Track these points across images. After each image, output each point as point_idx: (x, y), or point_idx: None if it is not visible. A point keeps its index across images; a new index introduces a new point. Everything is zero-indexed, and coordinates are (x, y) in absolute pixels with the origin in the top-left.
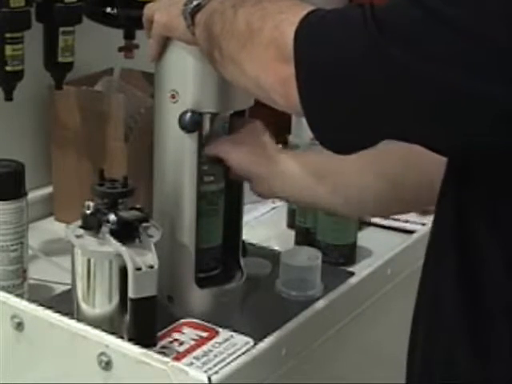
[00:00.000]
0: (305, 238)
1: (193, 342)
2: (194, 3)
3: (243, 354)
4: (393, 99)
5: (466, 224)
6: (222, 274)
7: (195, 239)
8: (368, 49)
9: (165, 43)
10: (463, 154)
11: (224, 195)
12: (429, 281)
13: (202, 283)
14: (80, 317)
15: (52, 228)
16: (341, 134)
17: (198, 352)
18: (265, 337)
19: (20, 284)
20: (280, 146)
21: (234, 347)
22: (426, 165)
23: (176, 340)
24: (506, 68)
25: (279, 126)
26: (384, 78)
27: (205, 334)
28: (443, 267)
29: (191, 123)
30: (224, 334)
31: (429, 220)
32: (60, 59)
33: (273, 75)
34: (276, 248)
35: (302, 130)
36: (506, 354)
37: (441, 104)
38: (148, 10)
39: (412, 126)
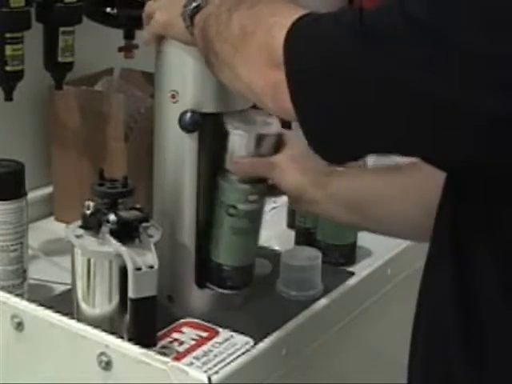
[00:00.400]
0: (305, 238)
1: (193, 342)
2: (194, 5)
3: (243, 354)
4: (377, 106)
5: (461, 238)
6: None
7: (195, 239)
8: (353, 54)
9: (160, 41)
10: (459, 167)
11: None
12: (429, 282)
13: (201, 283)
14: (80, 317)
15: (52, 228)
16: (330, 141)
17: (198, 352)
18: (265, 337)
19: (20, 284)
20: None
21: (233, 347)
22: None
23: (176, 340)
24: (486, 77)
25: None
26: (369, 84)
27: (205, 334)
28: (441, 275)
29: (191, 123)
30: (224, 334)
31: None
32: (60, 59)
33: (263, 79)
34: (276, 248)
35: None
36: (501, 365)
37: (419, 112)
38: (149, 7)
39: (400, 137)
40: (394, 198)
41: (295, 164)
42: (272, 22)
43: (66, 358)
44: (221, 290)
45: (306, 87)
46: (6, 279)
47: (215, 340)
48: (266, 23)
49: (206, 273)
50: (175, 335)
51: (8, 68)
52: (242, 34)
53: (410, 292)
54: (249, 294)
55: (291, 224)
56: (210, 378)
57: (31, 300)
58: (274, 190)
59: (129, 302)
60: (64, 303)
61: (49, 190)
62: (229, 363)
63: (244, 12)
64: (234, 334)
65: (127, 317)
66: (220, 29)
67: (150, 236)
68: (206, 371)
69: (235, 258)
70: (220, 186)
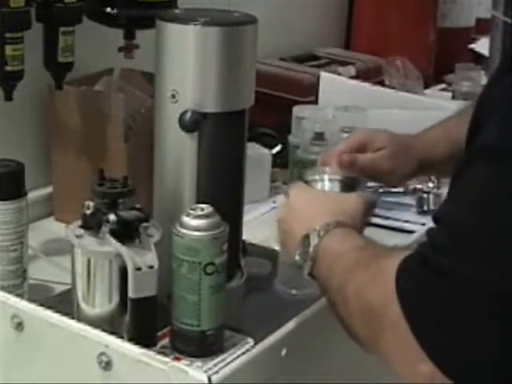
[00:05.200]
0: None
1: None
2: (309, 265)
3: (243, 354)
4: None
5: None
6: None
7: None
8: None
9: None
10: None
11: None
12: None
13: None
14: (80, 317)
15: (52, 228)
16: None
17: None
18: (265, 337)
19: (20, 284)
20: None
21: (233, 347)
22: None
23: None
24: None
25: (279, 125)
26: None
27: None
28: None
29: (191, 123)
30: (224, 333)
31: (429, 220)
32: (60, 59)
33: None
34: (276, 248)
35: (302, 130)
36: None
37: None
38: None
39: None
40: None
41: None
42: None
43: (66, 358)
44: (203, 359)
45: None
46: (6, 279)
47: None
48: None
49: (185, 347)
50: None
51: (8, 68)
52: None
53: None
54: (249, 294)
55: None
56: (210, 378)
57: (31, 300)
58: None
59: (129, 302)
60: (64, 303)
61: (49, 190)
62: (229, 363)
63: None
64: (234, 333)
65: (127, 317)
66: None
67: (150, 236)
68: (206, 371)
69: (218, 319)
70: (194, 249)
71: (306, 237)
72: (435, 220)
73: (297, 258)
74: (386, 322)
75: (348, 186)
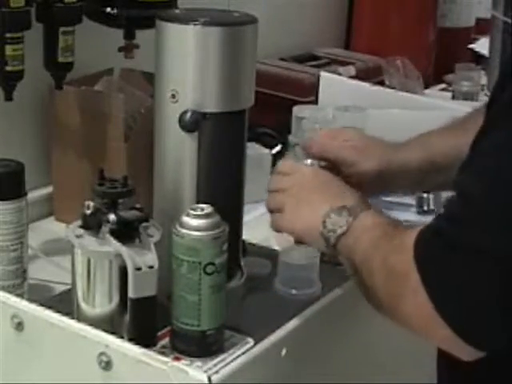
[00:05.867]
0: None
1: None
2: (338, 232)
3: (243, 354)
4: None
5: None
6: None
7: None
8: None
9: None
10: None
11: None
12: None
13: None
14: (80, 317)
15: (52, 228)
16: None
17: None
18: (265, 337)
19: (20, 284)
20: None
21: (233, 347)
22: None
23: None
24: None
25: (279, 125)
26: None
27: None
28: None
29: (191, 123)
30: (224, 333)
31: (428, 220)
32: (60, 59)
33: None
34: (276, 248)
35: (301, 130)
36: None
37: None
38: (276, 185)
39: None
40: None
41: (369, 141)
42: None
43: (66, 358)
44: (203, 359)
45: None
46: (6, 279)
47: None
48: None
49: (185, 347)
50: None
51: (8, 68)
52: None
53: None
54: (249, 294)
55: None
56: (210, 378)
57: (31, 300)
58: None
59: (129, 302)
60: (64, 303)
61: (49, 190)
62: (229, 363)
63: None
64: (234, 333)
65: (127, 317)
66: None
67: (150, 236)
68: (205, 371)
69: (218, 319)
70: (194, 249)
71: (339, 210)
72: (453, 187)
73: (324, 230)
74: (408, 288)
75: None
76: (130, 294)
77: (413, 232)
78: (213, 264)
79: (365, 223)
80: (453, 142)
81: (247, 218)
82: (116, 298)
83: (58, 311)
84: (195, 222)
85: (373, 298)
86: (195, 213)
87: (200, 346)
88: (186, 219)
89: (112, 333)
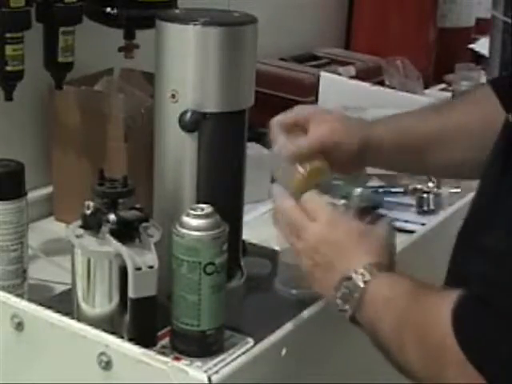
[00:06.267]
0: None
1: None
2: (354, 304)
3: (243, 353)
4: None
5: None
6: None
7: None
8: None
9: None
10: None
11: None
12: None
13: None
14: (80, 317)
15: (52, 228)
16: None
17: None
18: (265, 337)
19: (20, 284)
20: None
21: (233, 347)
22: None
23: None
24: None
25: None
26: None
27: None
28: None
29: (191, 123)
30: (224, 333)
31: (429, 220)
32: (60, 59)
33: None
34: (276, 248)
35: None
36: None
37: None
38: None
39: None
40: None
41: (346, 120)
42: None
43: (66, 358)
44: (203, 359)
45: None
46: (6, 279)
47: None
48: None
49: (185, 347)
50: None
51: (8, 68)
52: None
53: None
54: (249, 294)
55: None
56: (210, 378)
57: (31, 300)
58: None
59: (129, 302)
60: (64, 303)
61: (49, 190)
62: (229, 363)
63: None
64: (234, 333)
65: (127, 317)
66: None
67: (150, 236)
68: (206, 371)
69: (218, 319)
70: (194, 249)
71: (349, 278)
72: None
73: (338, 301)
74: (449, 361)
75: (362, 212)
76: (130, 294)
77: (444, 300)
78: (213, 264)
79: (384, 292)
80: (424, 125)
81: (247, 217)
82: (116, 298)
83: (58, 311)
84: (195, 222)
85: (407, 371)
86: (195, 213)
87: (200, 345)
88: (185, 219)
89: (112, 333)
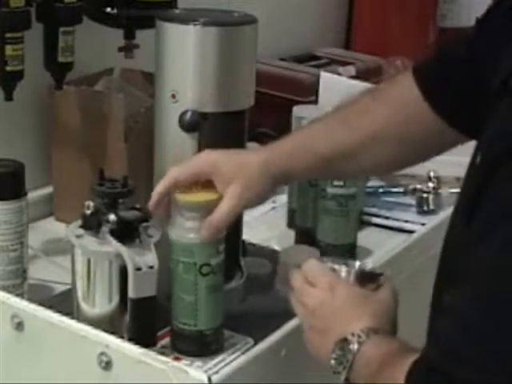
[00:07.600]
0: (305, 237)
1: None
2: (345, 367)
3: (243, 354)
4: None
5: None
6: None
7: None
8: None
9: None
10: None
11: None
12: None
13: None
14: (80, 317)
15: (52, 228)
16: None
17: None
18: (265, 337)
19: (20, 284)
20: None
21: (233, 347)
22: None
23: None
24: None
25: (279, 125)
26: None
27: None
28: None
29: (191, 123)
30: (223, 333)
31: (429, 220)
32: (60, 59)
33: None
34: (276, 248)
35: None
36: None
37: None
38: (305, 298)
39: None
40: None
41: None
42: None
43: (66, 358)
44: (203, 359)
45: None
46: (6, 279)
47: None
48: None
49: (185, 347)
50: None
51: (8, 68)
52: None
53: (410, 292)
54: (249, 294)
55: (291, 224)
56: (210, 378)
57: (31, 300)
58: None
59: (129, 302)
60: (64, 303)
61: (49, 190)
62: (229, 363)
63: None
64: (234, 333)
65: (127, 317)
66: None
67: (150, 236)
68: (206, 371)
69: (215, 319)
70: (188, 250)
71: (344, 340)
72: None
73: (332, 362)
74: None
75: (365, 277)
76: (130, 294)
77: (404, 365)
78: (208, 265)
79: (367, 355)
80: (330, 143)
81: (247, 218)
82: (116, 298)
83: (58, 311)
84: (190, 224)
85: None
86: (190, 214)
87: (199, 345)
88: (180, 220)
89: (112, 333)
